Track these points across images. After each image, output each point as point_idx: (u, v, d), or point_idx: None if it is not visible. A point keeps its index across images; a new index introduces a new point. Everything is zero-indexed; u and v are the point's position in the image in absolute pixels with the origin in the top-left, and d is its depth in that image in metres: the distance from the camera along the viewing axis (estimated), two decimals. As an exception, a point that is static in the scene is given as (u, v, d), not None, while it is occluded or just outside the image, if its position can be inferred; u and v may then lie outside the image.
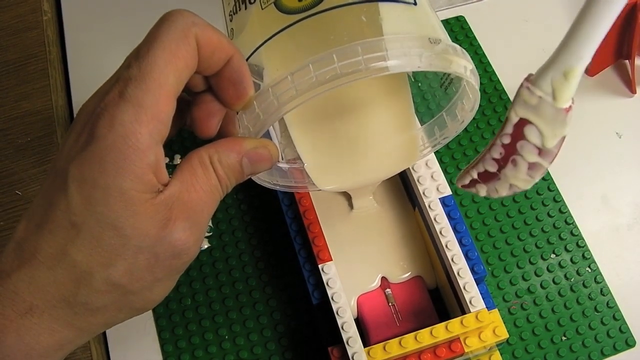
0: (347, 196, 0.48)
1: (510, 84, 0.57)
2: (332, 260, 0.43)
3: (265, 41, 0.34)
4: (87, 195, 0.28)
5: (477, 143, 0.54)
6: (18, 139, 0.55)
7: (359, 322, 0.44)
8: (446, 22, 0.59)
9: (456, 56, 0.33)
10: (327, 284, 0.42)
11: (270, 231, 0.51)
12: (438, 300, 0.46)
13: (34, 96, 0.57)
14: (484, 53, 0.58)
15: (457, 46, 0.34)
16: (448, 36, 0.35)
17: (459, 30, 0.59)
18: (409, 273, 0.45)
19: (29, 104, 0.56)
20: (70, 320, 0.29)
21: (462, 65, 0.33)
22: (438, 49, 0.32)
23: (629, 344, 0.46)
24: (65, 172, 0.28)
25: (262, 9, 0.35)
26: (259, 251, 0.50)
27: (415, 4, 0.35)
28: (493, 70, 0.57)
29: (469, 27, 0.59)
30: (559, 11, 0.61)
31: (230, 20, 0.37)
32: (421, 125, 0.43)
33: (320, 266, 0.43)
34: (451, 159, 0.53)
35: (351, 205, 0.47)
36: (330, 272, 0.43)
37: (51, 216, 0.28)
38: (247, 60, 0.34)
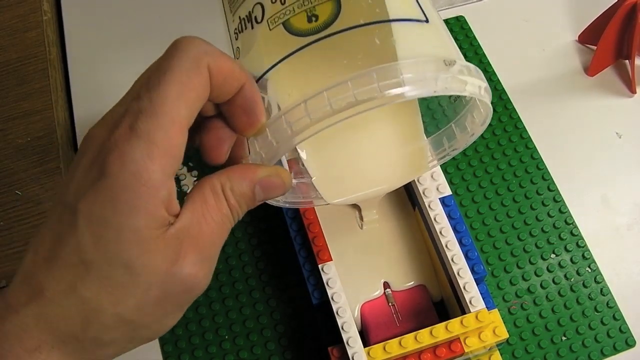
0: (351, 206, 0.47)
1: (510, 84, 0.57)
2: (332, 260, 0.43)
3: (275, 64, 0.33)
4: (98, 234, 0.28)
5: (477, 143, 0.54)
6: (18, 139, 0.55)
7: (362, 332, 0.43)
8: (446, 22, 0.59)
9: (471, 77, 0.32)
10: (327, 284, 0.42)
11: (270, 231, 0.51)
12: (443, 313, 0.45)
13: (34, 96, 0.57)
14: (484, 53, 0.58)
15: (471, 65, 0.33)
16: (460, 52, 0.35)
17: (459, 30, 0.59)
18: (412, 282, 0.45)
19: (29, 104, 0.56)
20: (80, 354, 0.29)
21: (477, 85, 0.33)
22: (454, 71, 0.32)
23: (629, 344, 0.46)
24: (75, 209, 0.28)
25: (270, 29, 0.34)
26: (259, 251, 0.50)
27: (427, 20, 0.34)
28: (493, 70, 0.57)
29: (469, 27, 0.59)
30: (559, 11, 0.61)
31: (236, 39, 0.36)
32: (425, 134, 0.42)
33: (320, 266, 0.43)
34: (451, 158, 0.53)
35: (359, 217, 0.47)
36: (330, 272, 0.43)
37: (60, 253, 0.28)
38: (257, 81, 0.34)
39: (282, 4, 0.33)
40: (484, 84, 0.34)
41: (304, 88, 0.31)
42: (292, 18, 0.33)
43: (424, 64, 0.31)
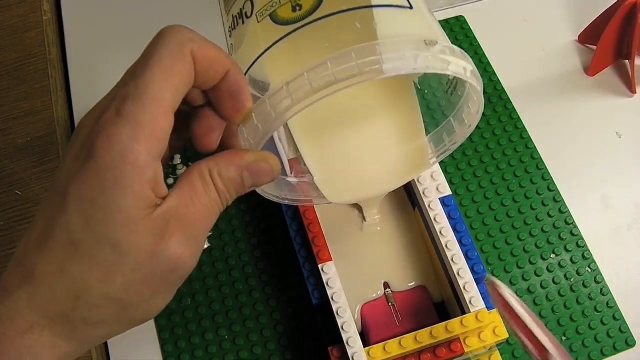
0: (351, 206, 0.48)
1: (510, 84, 0.57)
2: (332, 260, 0.43)
3: (262, 54, 0.34)
4: (86, 214, 0.28)
5: (477, 143, 0.54)
6: (18, 139, 0.55)
7: (362, 334, 0.43)
8: (446, 22, 0.59)
9: (454, 57, 0.33)
10: (327, 284, 0.42)
11: (270, 231, 0.51)
12: (444, 314, 0.45)
13: (34, 96, 0.57)
14: (484, 53, 0.58)
15: (456, 47, 0.34)
16: (447, 38, 0.35)
17: (459, 30, 0.59)
18: (413, 283, 0.45)
19: (29, 104, 0.56)
20: (71, 334, 0.29)
21: (462, 66, 0.33)
22: (435, 50, 0.32)
23: (629, 344, 0.46)
24: (65, 191, 0.29)
25: (259, 22, 0.35)
26: (259, 251, 0.50)
27: (410, 7, 0.34)
28: (493, 71, 0.57)
29: (469, 27, 0.59)
30: (559, 11, 0.61)
31: (230, 36, 0.38)
32: (427, 134, 0.43)
33: (320, 266, 0.43)
34: (451, 158, 0.53)
35: (362, 217, 0.47)
36: (330, 272, 0.43)
37: (50, 234, 0.29)
38: (246, 73, 0.34)
39: None
40: (471, 66, 0.34)
41: (288, 71, 0.32)
42: (278, 9, 0.34)
43: (404, 43, 0.32)
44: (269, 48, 0.34)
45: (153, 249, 0.29)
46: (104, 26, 0.62)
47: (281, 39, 0.33)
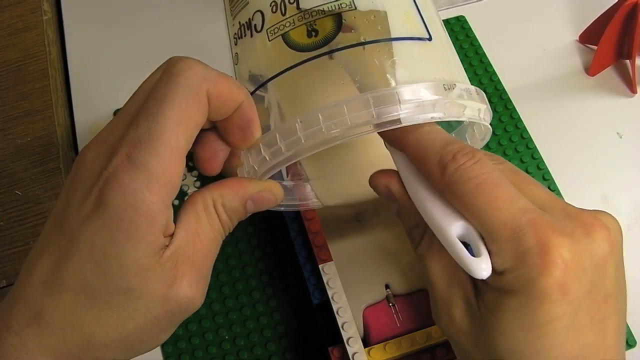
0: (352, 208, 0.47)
1: (510, 84, 0.57)
2: (332, 260, 0.43)
3: (273, 77, 0.33)
4: (98, 263, 0.28)
5: (478, 143, 0.54)
6: (18, 139, 0.55)
7: (364, 339, 0.43)
8: (446, 22, 0.59)
9: (471, 100, 0.32)
10: (328, 283, 0.42)
11: (270, 231, 0.51)
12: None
13: (34, 96, 0.57)
14: (484, 53, 0.58)
15: (472, 88, 0.33)
16: (464, 71, 0.34)
17: (459, 30, 0.59)
18: (415, 287, 0.45)
19: (29, 104, 0.56)
20: None
21: (476, 108, 0.32)
22: (453, 95, 0.31)
23: (629, 344, 0.46)
24: (75, 236, 0.28)
25: (269, 40, 0.33)
26: (259, 251, 0.50)
27: (430, 38, 0.33)
28: (493, 71, 0.57)
29: (469, 27, 0.59)
30: (559, 11, 0.61)
31: (235, 44, 0.36)
32: None
33: (320, 266, 0.43)
34: (451, 159, 0.53)
35: (358, 218, 0.47)
36: (330, 272, 0.43)
37: (59, 278, 0.29)
38: (253, 93, 0.33)
39: (283, 15, 0.33)
40: (484, 105, 0.33)
41: (300, 103, 0.31)
42: (291, 31, 0.32)
43: (422, 89, 0.31)
44: (281, 73, 0.32)
45: (165, 294, 0.29)
46: (104, 26, 0.62)
47: (296, 65, 0.32)
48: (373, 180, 0.36)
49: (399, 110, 0.30)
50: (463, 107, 0.32)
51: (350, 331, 0.40)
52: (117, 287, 0.28)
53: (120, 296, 0.29)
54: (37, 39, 0.60)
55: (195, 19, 0.62)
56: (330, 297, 0.42)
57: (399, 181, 0.34)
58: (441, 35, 0.35)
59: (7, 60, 0.59)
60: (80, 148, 0.56)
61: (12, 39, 0.60)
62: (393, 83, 0.31)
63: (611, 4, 0.54)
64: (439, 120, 0.31)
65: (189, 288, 0.30)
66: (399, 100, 0.30)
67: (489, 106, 0.34)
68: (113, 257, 0.28)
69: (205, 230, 0.31)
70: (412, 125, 0.31)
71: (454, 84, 0.32)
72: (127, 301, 0.29)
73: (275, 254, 0.50)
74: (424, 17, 0.34)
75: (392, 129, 0.31)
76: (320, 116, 0.30)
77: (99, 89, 0.59)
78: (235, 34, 0.36)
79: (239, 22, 0.36)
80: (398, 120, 0.30)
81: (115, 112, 0.57)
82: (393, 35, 0.32)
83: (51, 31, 0.61)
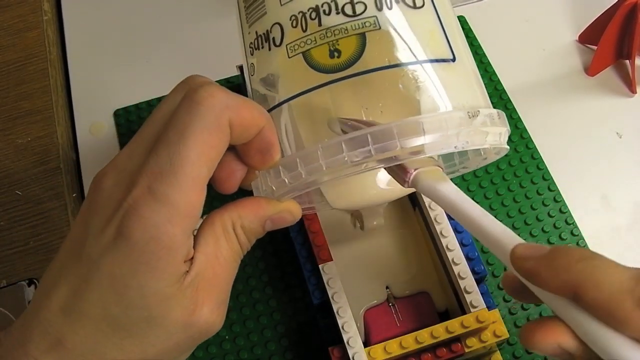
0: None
1: (510, 84, 0.57)
2: (332, 260, 0.43)
3: (293, 97, 0.32)
4: (119, 294, 0.28)
5: (478, 143, 0.54)
6: (18, 139, 0.55)
7: (365, 342, 0.43)
8: (446, 22, 0.59)
9: (493, 126, 0.31)
10: (328, 283, 0.42)
11: (271, 231, 0.51)
12: (444, 315, 0.45)
13: (34, 96, 0.57)
14: (484, 53, 0.58)
15: (495, 112, 0.32)
16: (485, 91, 0.34)
17: (459, 30, 0.59)
18: (415, 289, 0.45)
19: (29, 104, 0.56)
20: None
21: (498, 132, 0.32)
22: (477, 123, 0.31)
23: None
24: (94, 266, 0.28)
25: (289, 57, 0.32)
26: (259, 251, 0.50)
27: (454, 59, 0.32)
28: (493, 71, 0.57)
29: (469, 27, 0.59)
30: (559, 11, 0.61)
31: (251, 54, 0.35)
32: None
33: (320, 266, 0.43)
34: (451, 159, 0.53)
35: (359, 225, 0.46)
36: (330, 272, 0.43)
37: (79, 306, 0.28)
38: (270, 111, 0.33)
39: (303, 31, 0.32)
40: (505, 128, 0.33)
41: (321, 125, 0.31)
42: (313, 50, 0.32)
43: (447, 119, 0.30)
44: (301, 94, 0.32)
45: (186, 321, 0.29)
46: (104, 26, 0.62)
47: (317, 87, 0.31)
48: (533, 342, 0.28)
49: (424, 141, 0.29)
50: (485, 134, 0.31)
51: (351, 331, 0.40)
52: (139, 317, 0.28)
53: (142, 324, 0.29)
54: (37, 39, 0.60)
55: (195, 19, 0.62)
56: (330, 297, 0.42)
57: (574, 335, 0.27)
58: (464, 53, 0.34)
59: (7, 60, 0.59)
60: (80, 148, 0.56)
61: (13, 39, 0.60)
62: (418, 109, 0.30)
63: (611, 4, 0.54)
64: (462, 150, 0.31)
65: (210, 314, 0.30)
66: (423, 130, 0.29)
67: (509, 126, 0.33)
68: (135, 288, 0.28)
69: (224, 253, 0.31)
70: (582, 263, 0.26)
71: (478, 111, 0.31)
72: (148, 329, 0.29)
73: (275, 254, 0.50)
74: (448, 35, 0.33)
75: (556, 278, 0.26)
76: (343, 145, 0.29)
77: (99, 89, 0.59)
78: (251, 43, 0.35)
79: (256, 32, 0.34)
80: (422, 152, 0.30)
81: (116, 112, 0.57)
82: (418, 58, 0.31)
83: (51, 31, 0.61)
